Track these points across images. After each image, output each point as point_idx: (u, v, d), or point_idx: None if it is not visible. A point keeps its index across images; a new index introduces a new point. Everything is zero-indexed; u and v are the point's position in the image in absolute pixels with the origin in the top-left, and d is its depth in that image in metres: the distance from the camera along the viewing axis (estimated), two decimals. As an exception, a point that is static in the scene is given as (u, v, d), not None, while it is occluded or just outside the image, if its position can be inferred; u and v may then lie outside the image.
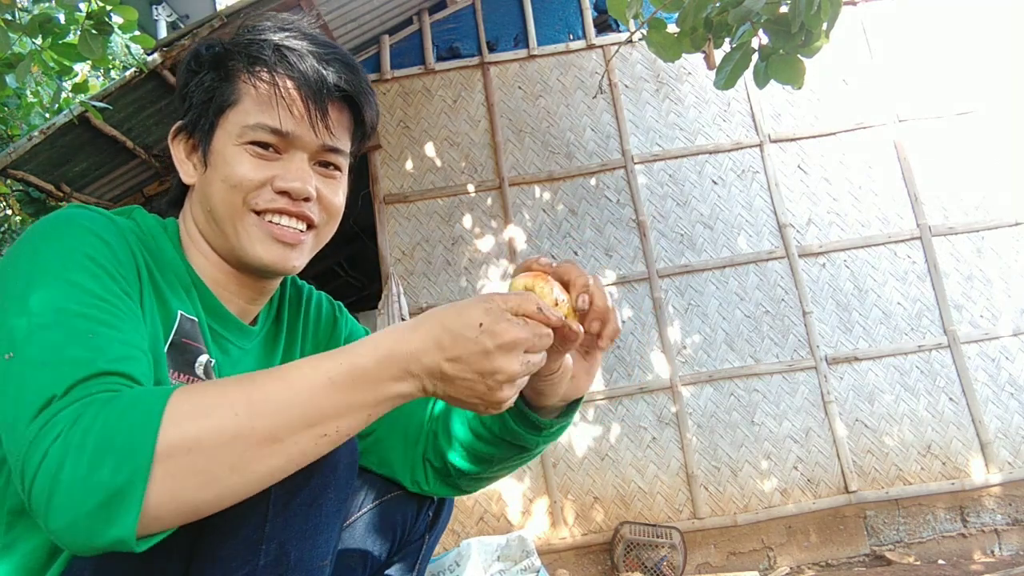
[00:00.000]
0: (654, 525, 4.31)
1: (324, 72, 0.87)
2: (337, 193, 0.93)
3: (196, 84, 0.90)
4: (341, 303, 1.14)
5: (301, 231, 0.90)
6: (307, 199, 0.89)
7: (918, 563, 4.16)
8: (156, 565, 0.72)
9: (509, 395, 0.70)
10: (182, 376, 0.85)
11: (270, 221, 0.88)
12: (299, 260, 0.91)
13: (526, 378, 0.73)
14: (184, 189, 0.96)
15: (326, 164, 0.92)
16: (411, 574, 1.09)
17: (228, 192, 0.87)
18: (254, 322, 1.00)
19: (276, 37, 0.89)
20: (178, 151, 0.93)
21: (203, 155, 0.89)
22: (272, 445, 0.63)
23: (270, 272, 0.91)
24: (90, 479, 0.57)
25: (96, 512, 0.57)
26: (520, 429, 0.91)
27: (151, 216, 0.93)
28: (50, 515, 0.58)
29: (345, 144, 0.93)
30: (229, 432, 0.61)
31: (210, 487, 0.61)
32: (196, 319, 0.89)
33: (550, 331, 0.72)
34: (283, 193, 0.87)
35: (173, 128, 0.93)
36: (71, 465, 0.58)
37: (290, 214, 0.89)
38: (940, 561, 4.22)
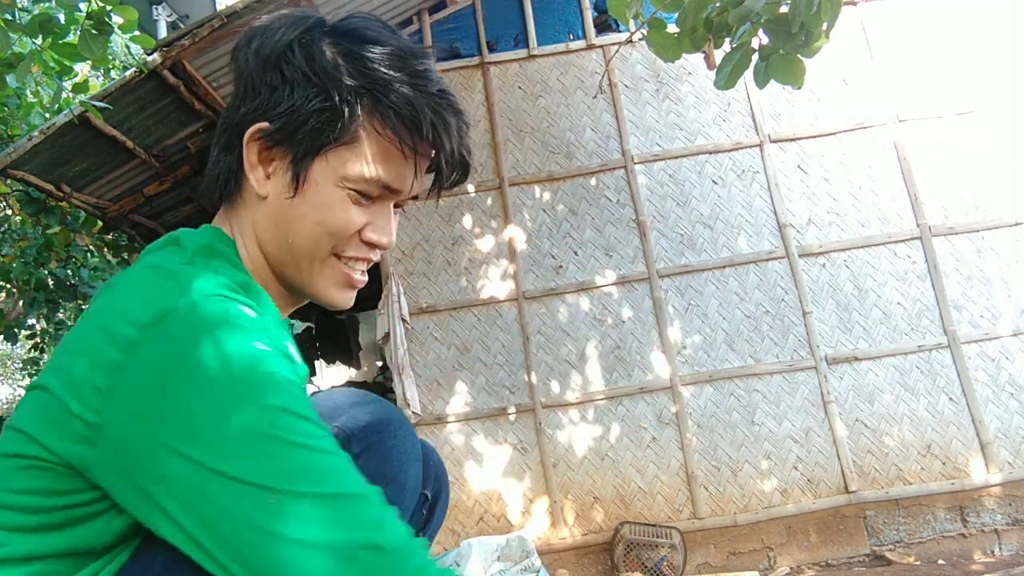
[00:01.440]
0: (654, 525, 4.32)
1: (455, 139, 0.81)
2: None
3: (310, 98, 0.77)
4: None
5: (363, 273, 0.88)
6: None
7: (918, 563, 4.16)
8: None
9: None
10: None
11: (347, 266, 0.84)
12: (353, 298, 0.89)
13: None
14: (230, 186, 0.85)
15: (399, 205, 0.88)
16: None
17: (322, 235, 0.80)
18: None
19: (418, 84, 0.78)
20: (251, 154, 0.80)
21: (294, 178, 0.79)
22: None
23: (329, 308, 0.88)
24: None
25: None
26: None
27: (206, 242, 0.81)
28: None
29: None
30: None
31: None
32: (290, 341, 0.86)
33: None
34: (370, 244, 0.84)
35: (254, 127, 0.79)
36: None
37: (367, 261, 0.86)
38: (940, 561, 4.22)
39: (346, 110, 0.77)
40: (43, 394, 0.67)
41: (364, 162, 0.79)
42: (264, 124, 0.79)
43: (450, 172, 0.84)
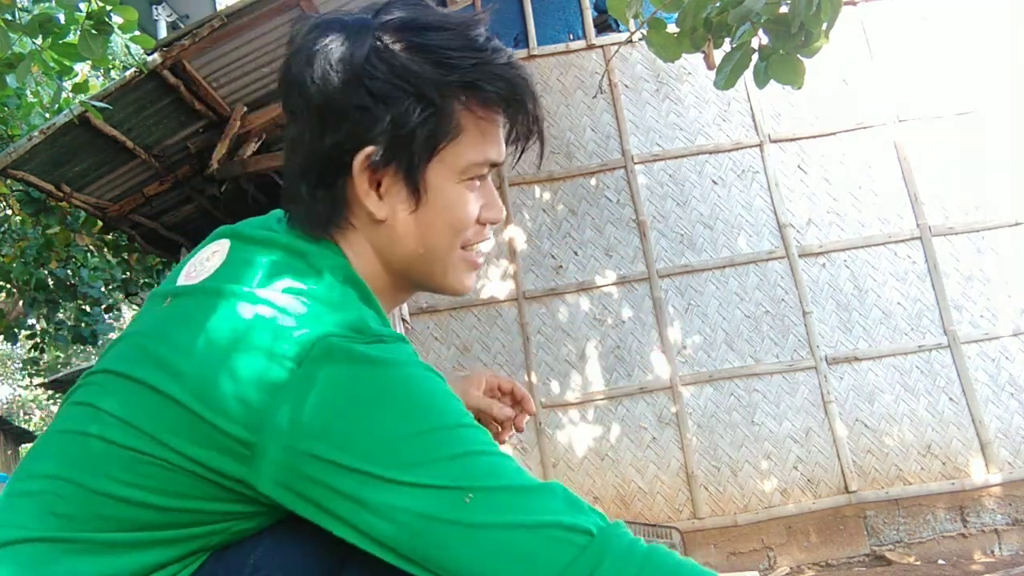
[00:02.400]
0: (654, 525, 4.32)
1: (535, 103, 0.83)
2: None
3: (411, 110, 0.75)
4: None
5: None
6: None
7: (918, 563, 4.16)
8: None
9: None
10: None
11: (471, 252, 0.86)
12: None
13: None
14: (335, 214, 0.81)
15: None
16: None
17: (450, 233, 0.81)
18: None
19: (498, 61, 0.79)
20: (363, 182, 0.77)
21: (413, 191, 0.78)
22: None
23: (457, 295, 0.90)
24: None
25: None
26: None
27: (339, 264, 0.79)
28: None
29: None
30: None
31: None
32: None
33: None
34: (487, 223, 0.85)
35: (362, 155, 0.75)
36: None
37: (485, 241, 0.89)
38: (940, 561, 4.22)
39: (447, 107, 0.76)
40: (145, 390, 0.67)
41: (474, 149, 0.79)
42: (370, 149, 0.75)
43: (533, 130, 0.84)
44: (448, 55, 0.76)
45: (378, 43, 0.76)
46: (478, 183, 0.81)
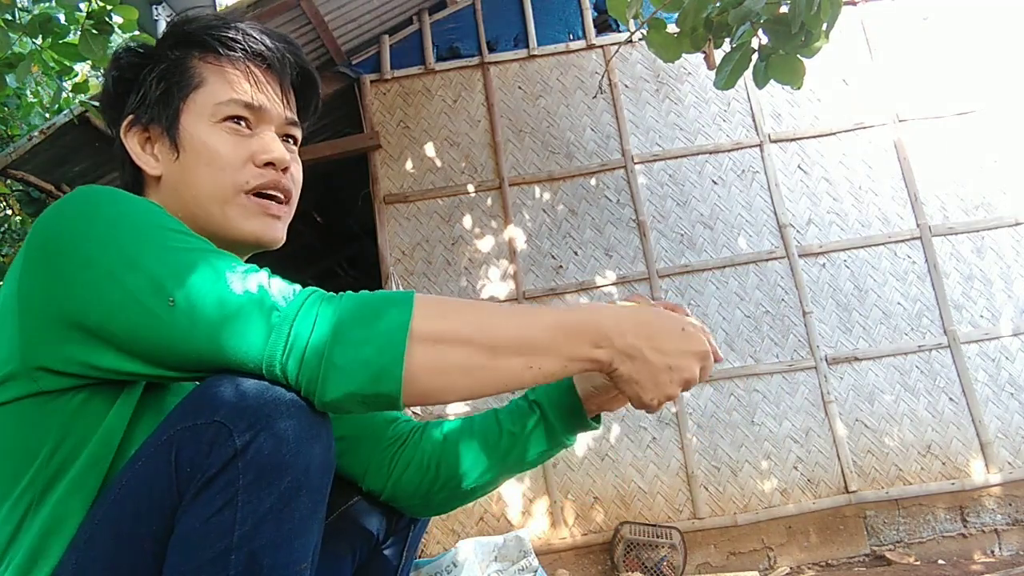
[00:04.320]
0: (654, 525, 4.31)
1: (283, 51, 0.94)
2: (299, 166, 0.98)
3: (148, 74, 0.91)
4: None
5: (283, 204, 0.95)
6: (286, 169, 0.93)
7: (918, 563, 4.16)
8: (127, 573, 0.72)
9: (677, 393, 0.81)
10: None
11: (259, 196, 0.91)
12: (282, 232, 0.96)
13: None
14: (137, 181, 0.94)
15: (288, 137, 0.97)
16: (400, 560, 1.08)
17: (215, 175, 0.88)
18: None
19: (225, 23, 0.93)
20: (133, 145, 0.92)
21: (172, 142, 0.89)
22: (491, 359, 0.74)
23: (260, 247, 0.94)
24: (360, 359, 0.70)
25: (369, 385, 0.71)
26: (565, 431, 1.01)
27: None
28: (328, 389, 0.71)
29: (301, 119, 1.00)
30: (463, 336, 0.74)
31: (442, 379, 0.73)
32: None
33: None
34: (267, 165, 0.91)
35: (124, 123, 0.92)
36: (341, 350, 0.70)
37: (275, 187, 0.93)
38: (940, 561, 4.22)
39: (180, 62, 0.90)
40: None
41: (216, 91, 0.89)
42: (130, 117, 0.91)
43: (300, 84, 0.98)
44: (181, 27, 0.93)
45: (127, 47, 0.94)
46: (241, 126, 0.90)
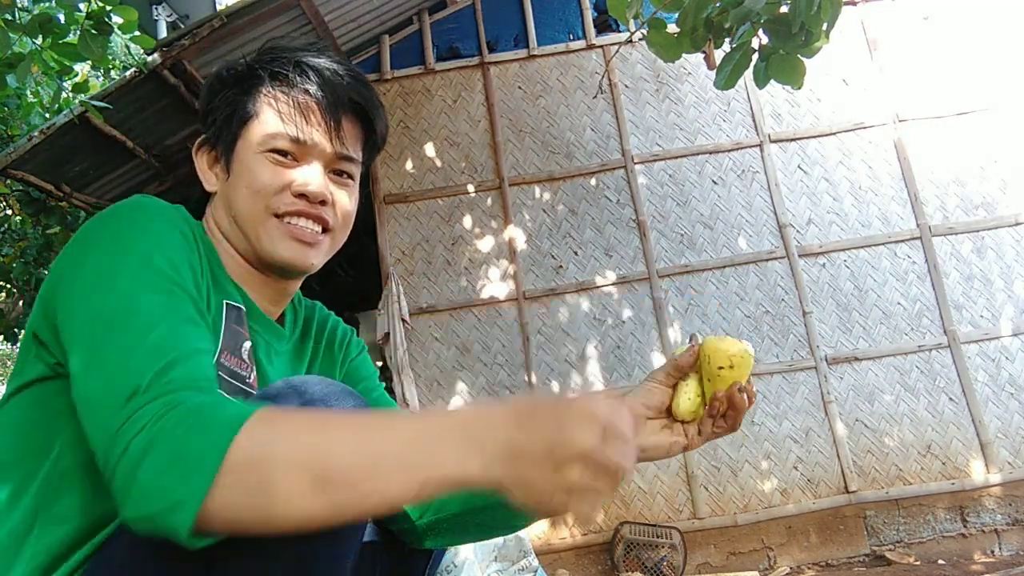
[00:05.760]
0: (654, 525, 4.32)
1: (338, 87, 0.97)
2: (349, 199, 1.02)
3: (220, 101, 0.99)
4: (354, 329, 1.22)
5: (318, 232, 0.98)
6: (323, 202, 0.97)
7: (918, 563, 4.16)
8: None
9: (581, 484, 0.59)
10: (232, 358, 0.92)
11: (289, 223, 0.95)
12: (317, 259, 0.99)
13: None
14: (206, 197, 1.03)
15: (340, 172, 1.00)
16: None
17: (251, 197, 0.95)
18: (280, 323, 1.07)
19: (295, 55, 0.98)
20: (201, 163, 1.02)
21: (226, 164, 0.98)
22: (319, 488, 0.62)
23: (291, 270, 0.98)
24: (160, 483, 0.64)
25: (160, 515, 0.64)
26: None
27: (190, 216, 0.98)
28: (126, 506, 0.66)
29: (357, 153, 1.02)
30: (289, 463, 0.63)
31: (257, 511, 0.63)
32: (242, 308, 0.97)
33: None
34: (301, 196, 0.95)
35: (197, 142, 1.01)
36: (147, 466, 0.65)
37: (307, 216, 0.96)
38: (940, 561, 4.22)
39: (244, 96, 0.97)
40: None
41: (266, 124, 0.95)
42: (202, 137, 1.01)
43: (362, 120, 1.01)
44: (271, 57, 0.99)
45: (225, 67, 1.01)
46: (286, 159, 0.95)
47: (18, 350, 0.84)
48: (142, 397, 0.68)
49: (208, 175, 1.01)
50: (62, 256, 0.83)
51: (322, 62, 0.98)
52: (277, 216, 0.95)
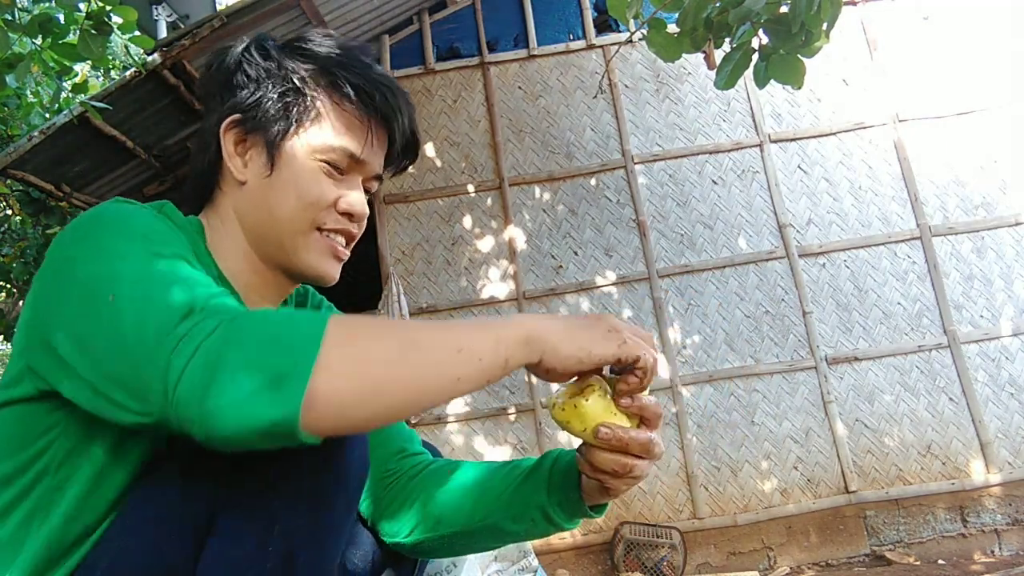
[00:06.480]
0: (654, 525, 4.32)
1: (403, 118, 0.94)
2: (368, 210, 1.00)
3: (271, 84, 0.90)
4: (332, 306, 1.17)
5: (345, 246, 0.96)
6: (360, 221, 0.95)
7: (918, 563, 4.16)
8: (166, 561, 0.73)
9: (605, 345, 0.73)
10: None
11: (329, 237, 0.92)
12: (338, 273, 0.97)
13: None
14: (210, 183, 0.93)
15: (368, 188, 0.98)
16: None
17: (300, 208, 0.89)
18: None
19: (368, 70, 0.92)
20: (228, 144, 0.91)
21: (269, 158, 0.89)
22: (409, 380, 0.65)
23: (318, 282, 0.96)
24: (257, 362, 0.61)
25: (261, 391, 0.60)
26: (562, 517, 0.92)
27: (178, 212, 0.91)
28: (209, 396, 0.60)
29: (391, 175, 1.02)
30: (381, 333, 0.67)
31: (362, 381, 0.64)
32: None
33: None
34: (346, 214, 0.92)
35: (229, 119, 0.90)
36: (235, 351, 0.62)
37: (345, 235, 0.94)
38: (940, 561, 4.22)
39: (306, 89, 0.89)
40: None
41: (329, 133, 0.89)
42: (236, 116, 0.90)
43: (403, 147, 0.97)
44: (317, 53, 0.91)
45: (260, 41, 0.92)
46: (337, 173, 0.90)
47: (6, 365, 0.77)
48: (199, 313, 0.65)
49: (236, 160, 0.91)
50: (39, 286, 0.75)
51: (395, 86, 0.94)
52: (319, 229, 0.91)
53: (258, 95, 0.89)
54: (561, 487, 0.91)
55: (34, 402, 0.76)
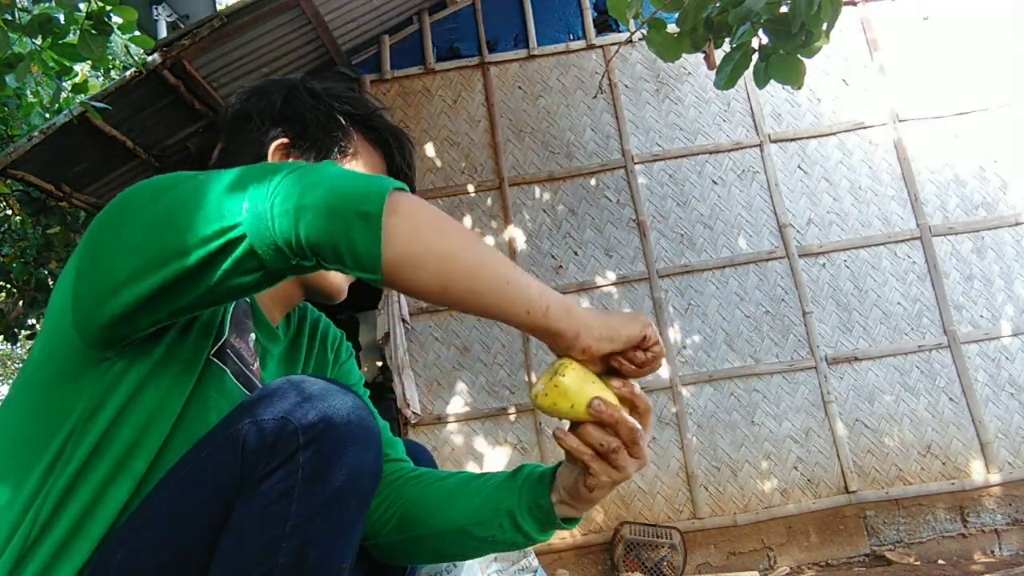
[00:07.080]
0: (654, 525, 4.32)
1: (414, 167, 1.13)
2: None
3: (317, 118, 1.03)
4: (343, 332, 1.24)
5: None
6: None
7: (918, 563, 4.16)
8: (181, 559, 0.75)
9: (628, 330, 0.77)
10: (240, 341, 0.95)
11: None
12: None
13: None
14: None
15: None
16: None
17: None
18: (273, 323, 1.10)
19: (395, 132, 1.10)
20: (274, 161, 1.01)
21: None
22: (472, 246, 0.73)
23: (327, 297, 1.06)
24: (348, 190, 0.71)
25: (348, 204, 0.70)
26: (531, 525, 0.92)
27: None
28: (306, 194, 0.70)
29: None
30: (444, 236, 0.73)
31: (419, 244, 0.71)
32: (248, 302, 1.00)
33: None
34: None
35: (279, 141, 1.01)
36: (334, 183, 0.72)
37: None
38: (940, 561, 4.22)
39: (349, 129, 1.05)
40: None
41: (361, 168, 1.05)
42: (285, 139, 1.02)
43: (406, 172, 1.12)
44: (353, 101, 1.08)
45: (304, 83, 1.07)
46: None
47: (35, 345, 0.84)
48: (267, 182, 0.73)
49: None
50: (90, 248, 0.81)
51: (409, 140, 1.12)
52: None
53: (307, 126, 1.02)
54: (532, 493, 0.91)
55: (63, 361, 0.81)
